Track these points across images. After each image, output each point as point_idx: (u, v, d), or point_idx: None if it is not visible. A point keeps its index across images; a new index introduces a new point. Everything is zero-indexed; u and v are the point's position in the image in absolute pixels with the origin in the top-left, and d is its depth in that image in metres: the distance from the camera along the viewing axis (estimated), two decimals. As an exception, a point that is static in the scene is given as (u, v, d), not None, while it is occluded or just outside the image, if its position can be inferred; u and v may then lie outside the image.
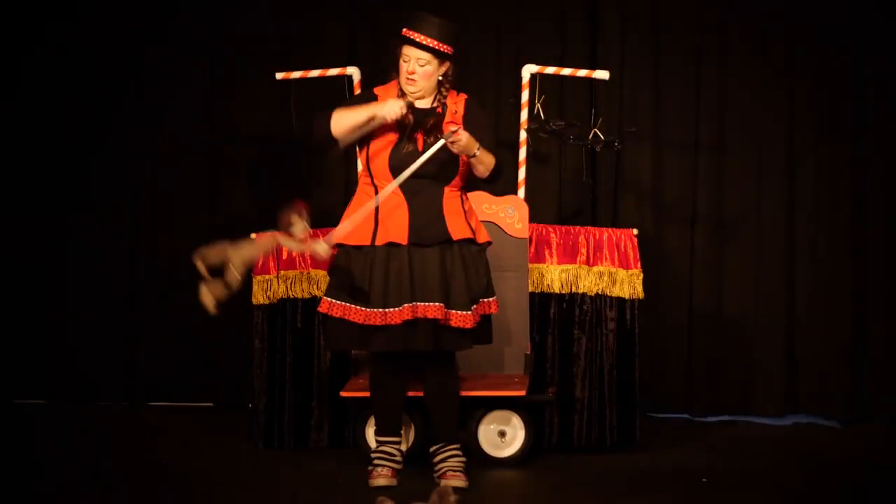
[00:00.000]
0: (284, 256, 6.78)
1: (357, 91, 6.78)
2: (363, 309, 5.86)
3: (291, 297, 6.78)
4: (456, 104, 5.99)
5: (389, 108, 5.82)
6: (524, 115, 6.85)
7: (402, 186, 5.86)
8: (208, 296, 5.64)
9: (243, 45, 7.79)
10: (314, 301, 6.78)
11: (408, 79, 5.92)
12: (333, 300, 5.92)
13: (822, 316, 7.54)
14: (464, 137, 5.79)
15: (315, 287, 6.77)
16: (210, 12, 7.81)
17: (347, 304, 5.89)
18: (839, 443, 7.08)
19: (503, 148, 7.45)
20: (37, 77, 7.83)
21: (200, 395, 7.84)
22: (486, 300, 6.00)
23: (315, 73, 6.94)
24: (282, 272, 6.77)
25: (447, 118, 5.95)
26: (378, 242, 5.88)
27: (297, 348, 6.79)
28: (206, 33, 7.82)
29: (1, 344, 7.83)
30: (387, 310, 5.84)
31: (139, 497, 5.89)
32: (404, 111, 5.84)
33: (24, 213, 7.85)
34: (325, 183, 7.66)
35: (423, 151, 5.86)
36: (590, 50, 7.65)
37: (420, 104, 5.98)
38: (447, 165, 5.91)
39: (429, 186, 5.90)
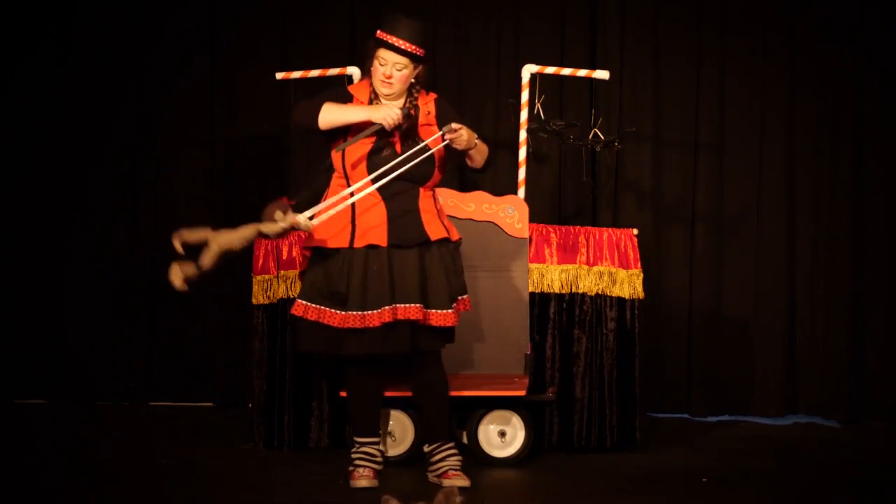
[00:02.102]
0: (284, 256, 6.78)
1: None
2: (339, 312, 5.83)
3: (291, 297, 6.76)
4: (427, 104, 5.96)
5: (386, 113, 5.76)
6: (524, 115, 6.85)
7: (380, 188, 5.83)
8: (178, 274, 5.58)
9: (243, 45, 7.80)
10: (314, 301, 6.78)
11: (383, 82, 5.87)
12: (308, 303, 5.87)
13: (822, 316, 7.55)
14: (464, 132, 5.80)
15: (315, 287, 6.77)
16: (210, 12, 7.82)
17: (322, 308, 5.84)
18: (839, 443, 7.09)
19: (503, 148, 7.47)
20: (37, 77, 7.83)
21: (200, 395, 7.85)
22: (462, 298, 5.99)
23: (315, 73, 6.94)
24: (282, 272, 6.77)
25: (421, 119, 5.93)
26: (357, 245, 5.83)
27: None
28: (207, 33, 7.82)
29: (1, 344, 7.84)
30: (365, 312, 5.81)
31: (139, 497, 5.89)
32: (401, 120, 5.81)
33: (24, 213, 7.86)
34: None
35: (402, 154, 5.83)
36: (590, 50, 7.66)
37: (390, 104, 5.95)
38: (424, 166, 5.89)
39: (406, 188, 5.86)
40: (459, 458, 6.05)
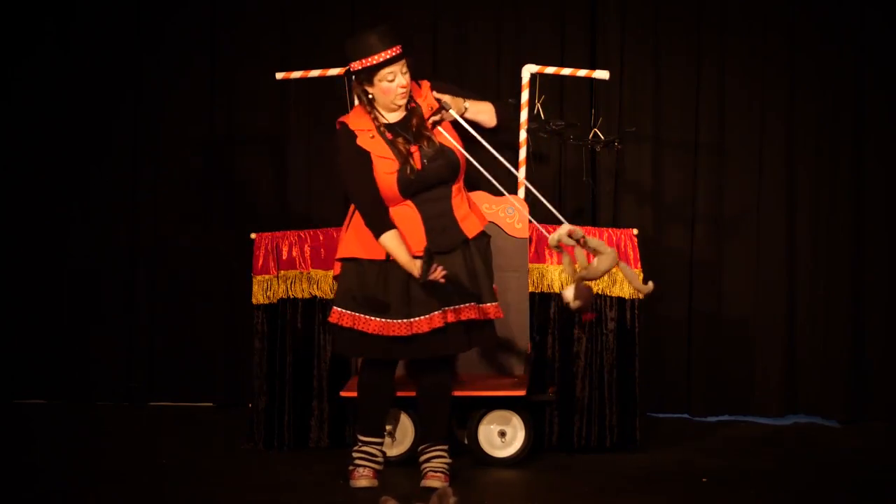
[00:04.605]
0: (284, 256, 6.78)
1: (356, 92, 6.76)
2: (375, 319, 5.86)
3: (291, 297, 6.78)
4: (426, 98, 5.99)
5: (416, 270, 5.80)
6: (524, 115, 6.85)
7: (412, 197, 5.86)
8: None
9: (243, 45, 7.79)
10: (314, 301, 6.78)
11: (402, 93, 5.91)
12: (343, 310, 5.91)
13: (822, 316, 7.54)
14: (445, 100, 5.87)
15: (315, 287, 6.77)
16: (210, 12, 7.81)
17: (357, 314, 5.87)
18: (839, 443, 7.08)
19: (503, 148, 7.46)
20: (37, 77, 7.83)
21: (200, 395, 7.84)
22: (495, 287, 6.09)
23: (315, 73, 6.93)
24: (282, 272, 6.77)
25: (425, 113, 5.96)
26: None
27: (297, 348, 6.79)
28: (207, 33, 7.82)
29: (1, 344, 7.84)
30: (412, 320, 5.84)
31: (139, 497, 5.89)
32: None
33: (25, 213, 7.85)
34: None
35: (423, 168, 5.86)
36: (590, 50, 7.65)
37: (394, 118, 5.96)
38: (452, 165, 5.91)
39: (437, 191, 5.89)
40: (446, 460, 6.05)
